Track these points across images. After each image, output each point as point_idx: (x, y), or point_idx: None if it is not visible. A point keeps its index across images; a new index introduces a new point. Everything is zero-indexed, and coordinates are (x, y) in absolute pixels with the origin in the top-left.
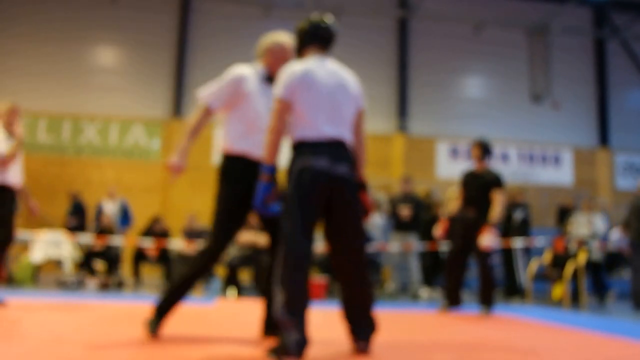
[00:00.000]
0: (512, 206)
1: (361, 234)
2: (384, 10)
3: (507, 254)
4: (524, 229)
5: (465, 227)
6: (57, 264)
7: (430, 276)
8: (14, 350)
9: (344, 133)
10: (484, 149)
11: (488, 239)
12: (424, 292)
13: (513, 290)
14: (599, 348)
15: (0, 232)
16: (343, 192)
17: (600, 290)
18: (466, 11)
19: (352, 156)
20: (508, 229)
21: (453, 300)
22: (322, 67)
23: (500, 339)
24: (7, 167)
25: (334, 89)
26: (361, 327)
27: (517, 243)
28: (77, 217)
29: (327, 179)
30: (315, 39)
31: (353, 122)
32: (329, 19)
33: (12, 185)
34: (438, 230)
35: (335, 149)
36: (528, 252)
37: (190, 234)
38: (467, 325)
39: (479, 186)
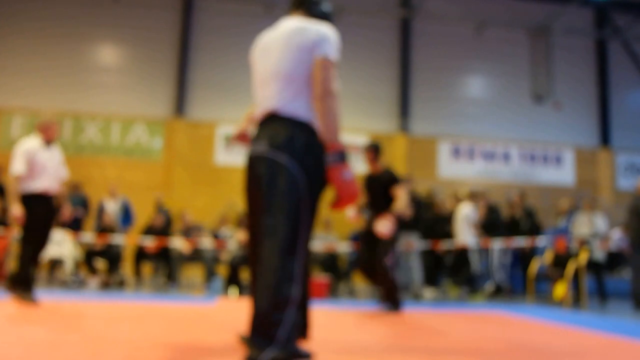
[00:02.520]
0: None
1: (271, 225)
2: (386, 10)
3: (485, 254)
4: (495, 230)
5: (368, 230)
6: (58, 262)
7: (432, 276)
8: (13, 350)
9: (275, 101)
10: (375, 151)
11: (383, 225)
12: (428, 292)
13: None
14: (599, 348)
15: (31, 236)
16: (255, 172)
17: (601, 290)
18: (468, 11)
19: (281, 125)
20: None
21: (393, 303)
22: (274, 30)
23: (501, 339)
24: (35, 177)
25: (272, 52)
26: (250, 342)
27: (496, 244)
28: (82, 210)
29: (251, 163)
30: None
31: (303, 78)
32: None
33: (42, 192)
34: (350, 212)
35: (260, 125)
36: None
37: (187, 233)
38: (467, 325)
39: (378, 187)
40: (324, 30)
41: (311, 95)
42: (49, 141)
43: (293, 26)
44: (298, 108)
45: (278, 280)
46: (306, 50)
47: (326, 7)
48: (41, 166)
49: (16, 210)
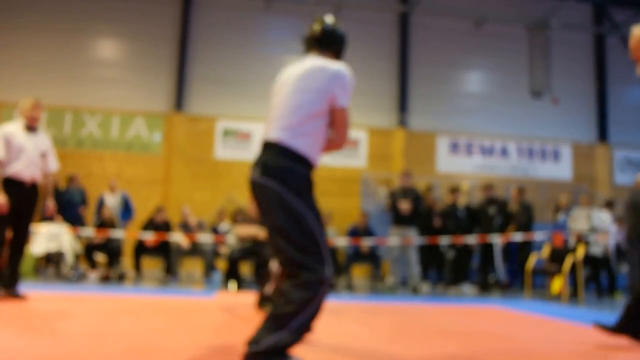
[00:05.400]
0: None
1: (274, 239)
2: (385, 4)
3: (487, 250)
4: (501, 226)
5: None
6: (58, 256)
7: (426, 270)
8: (15, 343)
9: (276, 132)
10: None
11: None
12: (424, 286)
13: (487, 283)
14: (595, 341)
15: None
16: (254, 195)
17: (598, 285)
18: (467, 6)
19: (278, 156)
20: (487, 227)
21: None
22: (293, 68)
23: (496, 333)
24: (10, 161)
25: (286, 87)
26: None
27: (496, 239)
28: (83, 206)
29: (250, 187)
30: (308, 41)
31: (311, 119)
32: (326, 19)
33: (13, 176)
34: None
35: (260, 153)
36: (508, 247)
37: (185, 227)
38: (464, 319)
39: None
40: (340, 73)
41: (311, 130)
42: (30, 126)
43: (310, 65)
44: (293, 140)
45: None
46: (318, 90)
47: (340, 35)
48: (17, 150)
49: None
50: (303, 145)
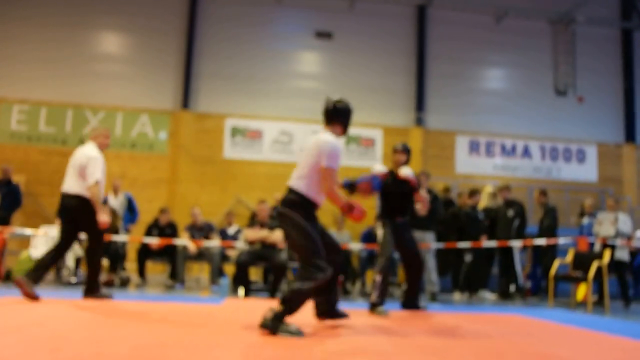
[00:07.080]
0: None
1: (291, 246)
2: None
3: (506, 255)
4: (519, 229)
5: (396, 234)
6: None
7: (460, 278)
8: (14, 350)
9: (293, 180)
10: (409, 154)
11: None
12: (457, 295)
13: (509, 292)
14: (619, 352)
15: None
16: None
17: (624, 292)
18: None
19: (290, 195)
20: (506, 231)
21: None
22: (312, 139)
23: (520, 342)
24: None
25: (304, 152)
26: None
27: (514, 243)
28: None
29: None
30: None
31: (310, 173)
32: (332, 99)
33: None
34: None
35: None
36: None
37: (193, 230)
38: (485, 328)
39: (404, 193)
40: (325, 144)
41: (312, 181)
42: (102, 151)
43: (313, 142)
44: (300, 185)
45: (298, 277)
46: (313, 155)
47: (342, 111)
48: (104, 174)
49: (104, 218)
50: (307, 190)
